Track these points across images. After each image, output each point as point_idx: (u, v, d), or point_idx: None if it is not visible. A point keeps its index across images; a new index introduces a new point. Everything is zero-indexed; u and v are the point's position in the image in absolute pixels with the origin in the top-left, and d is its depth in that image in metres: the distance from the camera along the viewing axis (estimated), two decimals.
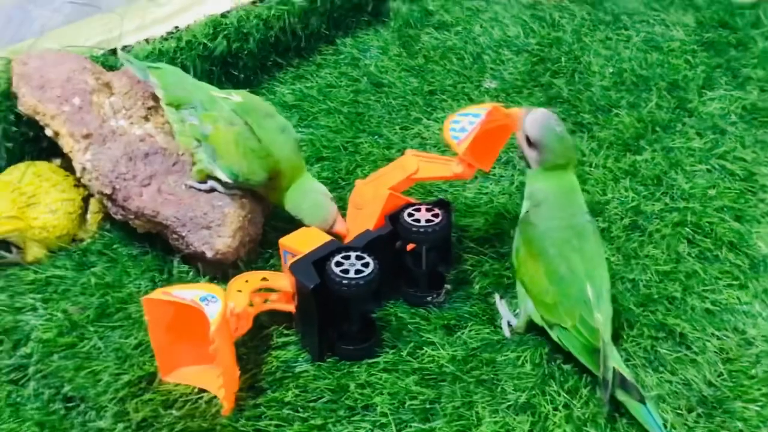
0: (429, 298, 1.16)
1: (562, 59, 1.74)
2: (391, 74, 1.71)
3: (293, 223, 1.24)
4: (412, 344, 1.11)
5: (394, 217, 1.15)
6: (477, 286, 1.21)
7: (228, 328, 1.00)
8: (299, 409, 1.02)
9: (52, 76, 1.23)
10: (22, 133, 1.29)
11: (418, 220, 1.12)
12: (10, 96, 1.27)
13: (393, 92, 1.65)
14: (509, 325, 1.12)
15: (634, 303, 1.16)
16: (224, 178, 1.16)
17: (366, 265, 1.04)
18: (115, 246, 1.27)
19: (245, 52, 1.61)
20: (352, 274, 1.02)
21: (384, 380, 1.05)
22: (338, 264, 1.04)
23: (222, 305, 0.98)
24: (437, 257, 1.18)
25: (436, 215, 1.14)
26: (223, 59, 1.57)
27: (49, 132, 1.23)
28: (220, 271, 1.20)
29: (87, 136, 1.20)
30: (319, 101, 1.62)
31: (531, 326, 1.10)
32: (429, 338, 1.12)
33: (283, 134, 1.19)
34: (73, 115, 1.21)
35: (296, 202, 1.19)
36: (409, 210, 1.15)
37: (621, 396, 0.98)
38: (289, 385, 1.04)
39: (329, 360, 1.08)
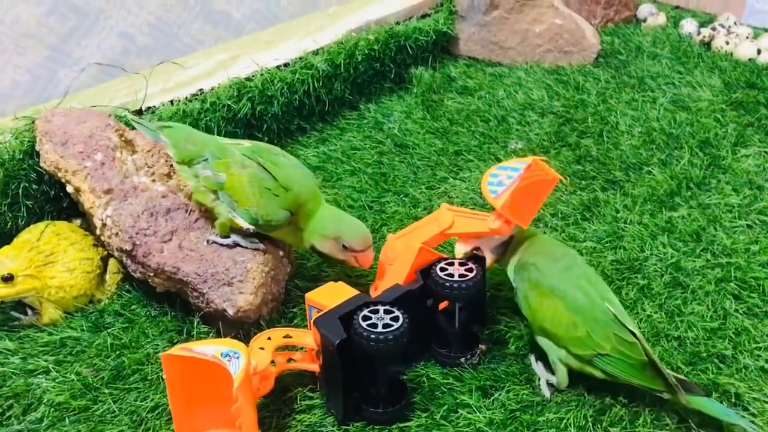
0: (463, 359, 1.09)
1: (589, 120, 1.71)
2: (415, 136, 1.69)
3: (318, 282, 1.19)
4: (446, 407, 1.03)
5: (425, 272, 1.10)
6: (512, 347, 1.14)
7: (251, 386, 0.94)
8: None
9: (75, 133, 1.22)
10: (43, 192, 1.27)
11: (451, 275, 1.07)
12: (33, 155, 1.25)
13: (418, 153, 1.63)
14: (549, 384, 1.05)
15: (682, 361, 1.09)
16: (245, 224, 1.12)
17: (395, 319, 0.98)
18: (133, 306, 1.23)
19: (269, 114, 1.60)
20: (380, 329, 0.96)
21: None
22: (365, 318, 0.99)
23: (245, 361, 0.92)
24: (471, 315, 1.12)
25: (469, 270, 1.08)
26: (247, 121, 1.56)
27: (70, 189, 1.21)
28: (242, 331, 1.15)
29: (108, 192, 1.18)
30: (343, 162, 1.60)
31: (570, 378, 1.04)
32: (464, 400, 1.04)
33: (299, 169, 1.16)
34: (95, 170, 1.19)
35: (330, 224, 1.12)
36: (442, 264, 1.09)
37: (684, 399, 0.95)
38: None
39: (356, 424, 1.01)
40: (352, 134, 1.71)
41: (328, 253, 1.12)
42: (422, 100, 1.84)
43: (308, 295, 1.10)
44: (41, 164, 1.23)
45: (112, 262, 1.26)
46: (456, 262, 1.10)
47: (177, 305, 1.21)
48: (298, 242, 1.16)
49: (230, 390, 0.90)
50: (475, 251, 1.11)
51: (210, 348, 0.95)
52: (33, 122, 1.26)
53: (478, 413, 1.02)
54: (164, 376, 0.96)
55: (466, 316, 1.11)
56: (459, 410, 1.03)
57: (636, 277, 1.25)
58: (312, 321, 1.03)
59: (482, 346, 1.11)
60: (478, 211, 1.16)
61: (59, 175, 1.21)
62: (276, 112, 1.61)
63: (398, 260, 1.15)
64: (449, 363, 1.10)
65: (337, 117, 1.77)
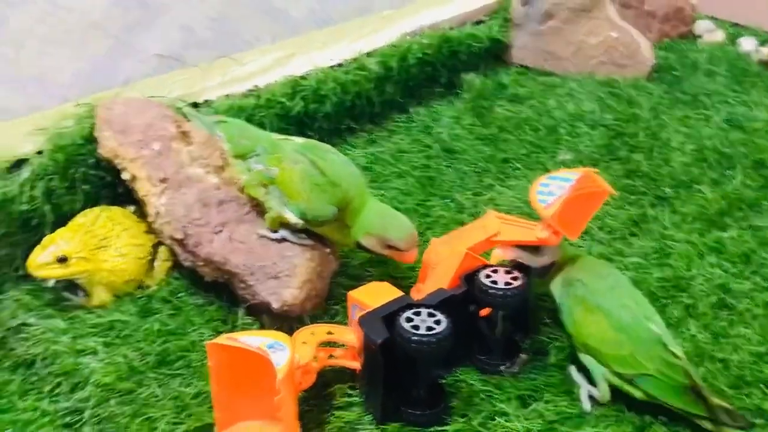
0: (502, 367, 1.09)
1: (640, 134, 1.70)
2: (463, 142, 1.69)
3: (361, 281, 1.20)
4: (483, 413, 1.04)
5: (469, 278, 1.10)
6: (553, 358, 1.13)
7: (294, 380, 0.95)
8: None
9: (135, 122, 1.25)
10: (100, 178, 1.30)
11: (495, 282, 1.07)
12: (91, 140, 1.29)
13: (465, 159, 1.63)
14: (590, 397, 1.04)
15: (725, 384, 1.07)
16: (294, 219, 1.14)
17: (438, 322, 0.99)
18: (180, 294, 1.25)
19: (321, 114, 1.62)
20: (422, 331, 0.97)
21: None
22: (408, 320, 0.99)
23: (290, 354, 0.94)
24: (514, 324, 1.12)
25: (515, 278, 1.08)
26: (300, 119, 1.58)
27: (126, 176, 1.24)
28: (286, 324, 1.16)
29: (163, 181, 1.20)
30: (391, 164, 1.61)
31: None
32: (502, 408, 1.04)
33: (348, 166, 1.17)
34: (152, 159, 1.22)
35: (376, 221, 1.13)
36: (487, 271, 1.09)
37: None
38: None
39: (394, 425, 1.02)
40: (401, 137, 1.72)
41: (372, 250, 1.13)
42: (472, 106, 1.84)
43: (351, 294, 1.11)
44: (99, 151, 1.26)
45: (162, 249, 1.29)
46: (501, 269, 1.10)
47: (224, 296, 1.23)
48: (344, 238, 1.17)
49: (273, 381, 0.91)
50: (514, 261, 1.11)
51: (255, 339, 0.96)
52: (94, 109, 1.30)
53: (516, 422, 1.02)
54: (209, 365, 0.98)
55: (509, 324, 1.11)
56: (497, 418, 1.03)
57: (682, 296, 1.23)
58: (355, 319, 1.04)
59: (523, 355, 1.11)
60: (526, 220, 1.15)
61: (116, 162, 1.24)
62: (328, 111, 1.62)
63: (442, 264, 1.16)
64: (489, 370, 1.10)
65: (387, 119, 1.78)
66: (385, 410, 1.01)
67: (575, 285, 1.06)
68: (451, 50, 1.87)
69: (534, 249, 1.09)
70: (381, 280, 1.18)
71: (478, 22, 2.00)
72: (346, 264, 1.32)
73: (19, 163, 1.23)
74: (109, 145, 1.24)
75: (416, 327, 0.97)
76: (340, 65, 1.67)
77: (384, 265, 1.31)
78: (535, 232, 1.09)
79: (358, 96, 1.68)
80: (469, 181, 1.56)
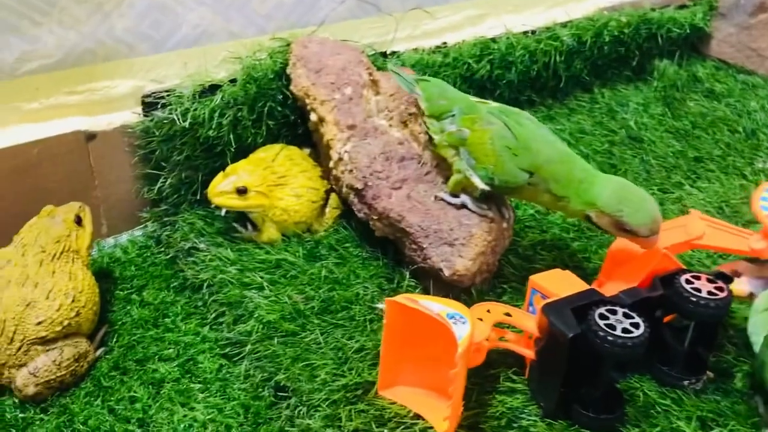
0: (686, 382, 1.00)
1: None
2: (651, 132, 1.57)
3: (531, 263, 1.14)
4: (659, 428, 0.95)
5: (667, 281, 1.00)
6: (739, 383, 1.03)
7: (470, 355, 0.90)
8: None
9: (330, 63, 1.22)
10: (284, 116, 1.29)
11: (698, 290, 0.97)
12: (282, 77, 1.27)
13: (653, 151, 1.51)
14: None
15: None
16: (480, 184, 1.07)
17: (635, 325, 0.90)
18: (347, 245, 1.23)
19: (504, 81, 1.54)
20: (618, 332, 0.89)
21: None
22: (602, 317, 0.91)
23: (470, 328, 0.88)
24: (699, 337, 1.02)
25: (719, 288, 0.98)
26: (482, 83, 1.51)
27: (313, 117, 1.22)
28: (451, 294, 1.11)
29: (351, 127, 1.17)
30: (570, 145, 1.51)
31: None
32: (680, 426, 0.95)
33: (545, 133, 1.08)
34: (343, 104, 1.19)
35: (612, 199, 0.99)
36: (687, 276, 1.00)
37: None
38: None
39: (561, 422, 0.95)
40: (582, 117, 1.62)
41: (605, 229, 1.04)
42: (663, 95, 1.70)
43: (533, 278, 1.04)
44: (291, 88, 1.24)
45: (333, 196, 1.27)
46: (703, 276, 1.00)
47: (389, 253, 1.20)
48: (554, 206, 1.07)
49: (450, 353, 0.86)
50: (732, 274, 1.00)
51: (435, 305, 0.92)
52: (288, 45, 1.28)
53: None
54: (384, 321, 0.94)
55: (696, 336, 1.01)
56: None
57: None
58: (540, 306, 0.97)
59: (710, 374, 1.01)
60: (736, 226, 1.04)
61: (306, 101, 1.22)
62: (512, 79, 1.55)
63: (633, 261, 1.06)
64: (669, 382, 1.01)
65: (569, 96, 1.68)
66: (557, 405, 0.94)
67: None
68: (648, 32, 1.73)
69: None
70: (553, 266, 1.10)
71: (682, 6, 1.85)
72: (516, 243, 1.25)
73: (212, 88, 1.24)
74: (302, 83, 1.21)
75: (611, 326, 0.90)
76: (532, 32, 1.58)
77: (557, 250, 1.23)
78: (749, 242, 0.98)
79: (546, 67, 1.59)
80: (657, 176, 1.44)
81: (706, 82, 1.77)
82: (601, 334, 0.88)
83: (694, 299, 0.95)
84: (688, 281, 0.99)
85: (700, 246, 1.04)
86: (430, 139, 1.15)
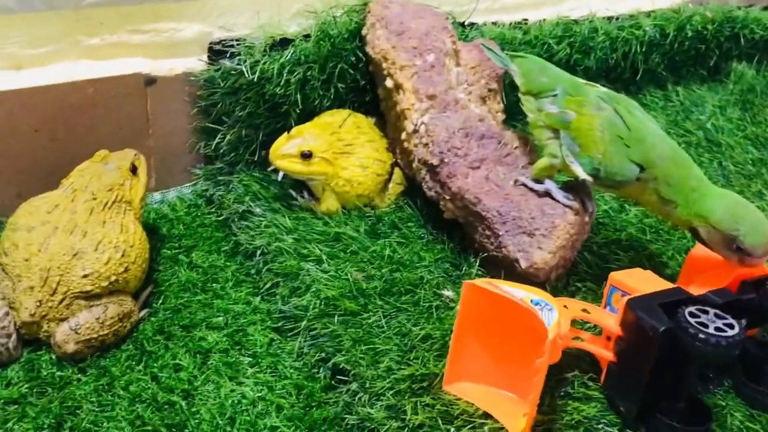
0: None
1: None
2: (729, 136, 1.48)
3: (607, 262, 1.07)
4: None
5: (758, 285, 0.92)
6: None
7: (557, 345, 0.82)
8: None
9: (413, 26, 1.13)
10: (353, 80, 1.21)
11: None
12: (356, 37, 1.18)
13: (732, 157, 1.42)
14: None
15: None
16: (582, 174, 0.98)
17: (729, 326, 0.82)
18: (410, 224, 1.15)
19: (581, 66, 1.45)
20: (711, 330, 0.81)
21: None
22: (693, 315, 0.83)
23: (558, 315, 0.80)
24: None
25: None
26: (559, 66, 1.41)
27: (389, 83, 1.13)
28: None
29: (431, 98, 1.09)
30: None
31: None
32: None
33: (657, 128, 1.00)
34: (424, 71, 1.10)
35: (727, 216, 0.93)
36: None
37: None
38: None
39: None
40: (655, 114, 1.53)
41: (712, 246, 0.96)
42: (740, 99, 1.61)
43: (614, 275, 0.96)
44: (368, 49, 1.15)
45: (397, 171, 1.19)
46: None
47: (455, 238, 1.12)
48: (658, 209, 1.00)
49: (525, 342, 0.79)
50: None
51: (518, 291, 0.84)
52: (366, 5, 1.19)
53: None
54: (457, 308, 0.86)
55: None
56: None
57: None
58: (624, 301, 0.89)
59: None
60: None
61: (383, 66, 1.13)
62: (589, 65, 1.46)
63: (717, 267, 0.98)
64: (759, 404, 0.93)
65: (642, 91, 1.59)
66: (639, 413, 0.86)
67: None
68: (731, 31, 1.64)
69: None
70: (630, 267, 1.02)
71: (767, 8, 1.75)
72: (590, 239, 1.17)
73: (282, 42, 1.15)
74: (380, 46, 1.13)
75: (703, 325, 0.81)
76: (616, 18, 1.48)
77: (633, 251, 1.15)
78: None
79: (624, 57, 1.50)
80: (735, 183, 1.36)
81: None
82: (692, 331, 0.80)
83: None
84: None
85: None
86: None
